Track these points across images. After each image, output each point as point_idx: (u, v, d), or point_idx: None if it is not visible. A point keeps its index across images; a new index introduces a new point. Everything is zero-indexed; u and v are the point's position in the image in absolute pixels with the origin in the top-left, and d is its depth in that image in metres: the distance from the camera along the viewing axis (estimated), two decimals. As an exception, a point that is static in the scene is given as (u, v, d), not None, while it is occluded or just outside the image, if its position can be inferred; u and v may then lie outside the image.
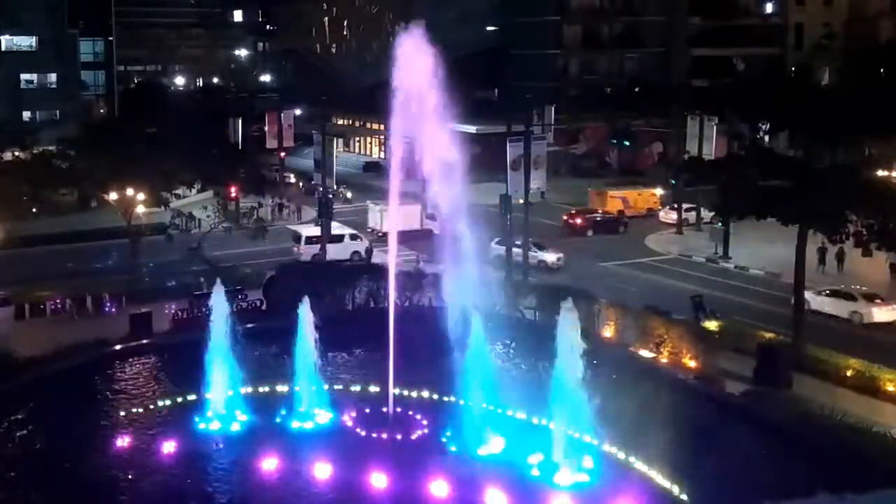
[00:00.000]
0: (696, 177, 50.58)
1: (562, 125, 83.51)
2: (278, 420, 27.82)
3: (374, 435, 26.76)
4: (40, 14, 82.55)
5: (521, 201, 50.24)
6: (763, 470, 24.30)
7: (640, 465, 25.03)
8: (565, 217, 65.55)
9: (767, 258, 52.63)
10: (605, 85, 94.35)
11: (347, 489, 23.92)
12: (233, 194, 63.22)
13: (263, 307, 39.69)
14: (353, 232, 56.99)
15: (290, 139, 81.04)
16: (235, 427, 27.56)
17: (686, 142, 62.75)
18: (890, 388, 31.93)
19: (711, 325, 37.77)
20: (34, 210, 61.12)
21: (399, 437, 26.66)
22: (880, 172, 40.11)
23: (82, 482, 24.26)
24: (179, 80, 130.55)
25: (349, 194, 77.19)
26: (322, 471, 24.58)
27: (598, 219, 65.50)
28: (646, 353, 34.14)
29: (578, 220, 64.76)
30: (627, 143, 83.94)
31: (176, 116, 64.10)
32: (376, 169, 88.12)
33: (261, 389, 29.80)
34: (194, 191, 66.51)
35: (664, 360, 33.66)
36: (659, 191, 70.62)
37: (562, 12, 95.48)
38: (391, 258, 29.28)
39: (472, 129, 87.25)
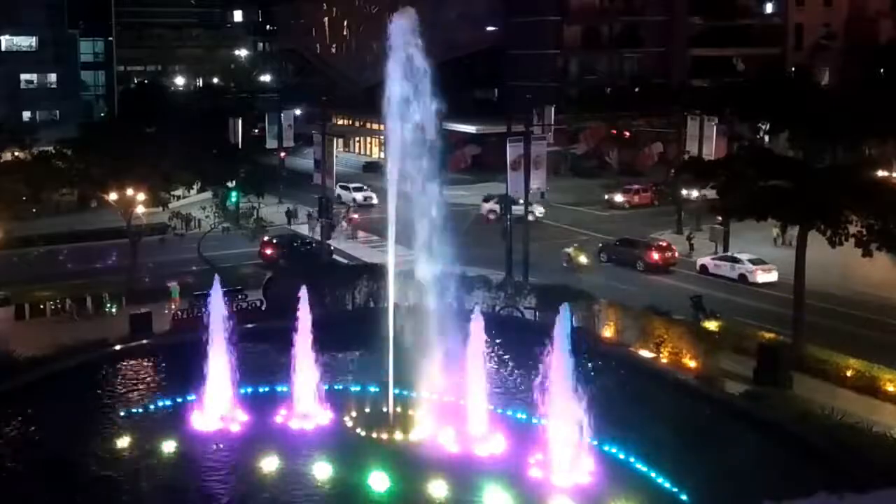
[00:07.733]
0: (695, 177, 50.47)
1: (562, 125, 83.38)
2: (278, 420, 27.83)
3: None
4: (40, 14, 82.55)
5: (522, 201, 50.24)
6: (763, 470, 24.28)
7: (639, 466, 25.03)
8: None
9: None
10: (605, 85, 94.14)
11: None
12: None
13: (263, 307, 39.69)
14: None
15: (290, 139, 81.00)
16: (234, 427, 27.54)
17: (686, 142, 62.63)
18: (890, 388, 31.89)
19: (711, 325, 37.72)
20: (34, 210, 61.06)
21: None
22: (880, 172, 40.02)
23: (81, 482, 24.24)
24: (179, 80, 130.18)
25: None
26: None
27: None
28: (646, 354, 34.15)
29: None
30: (627, 143, 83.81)
31: (176, 117, 64.00)
32: (376, 169, 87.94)
33: (260, 390, 29.84)
34: (193, 191, 66.39)
35: (664, 361, 33.66)
36: None
37: (562, 12, 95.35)
38: (390, 258, 29.22)
39: (472, 129, 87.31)
